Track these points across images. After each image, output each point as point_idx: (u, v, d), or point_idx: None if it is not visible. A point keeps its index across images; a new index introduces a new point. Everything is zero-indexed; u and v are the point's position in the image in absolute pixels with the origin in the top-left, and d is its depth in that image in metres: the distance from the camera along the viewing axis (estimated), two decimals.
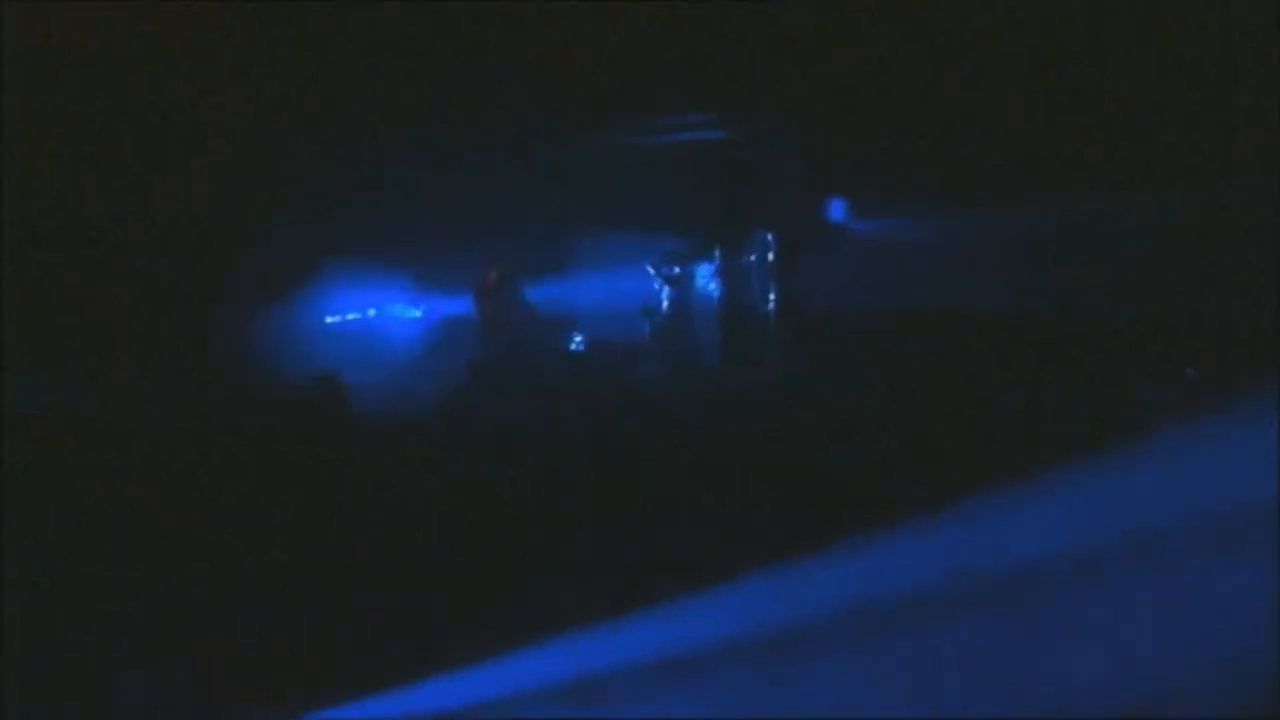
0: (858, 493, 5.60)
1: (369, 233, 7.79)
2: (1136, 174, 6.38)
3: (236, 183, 7.40)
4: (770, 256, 7.64)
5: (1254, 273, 5.72)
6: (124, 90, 7.05)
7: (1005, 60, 6.67)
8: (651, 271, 8.35)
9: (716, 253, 8.01)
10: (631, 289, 8.20)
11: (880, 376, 6.32)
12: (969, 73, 6.73)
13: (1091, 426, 5.67)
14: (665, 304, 8.24)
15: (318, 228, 7.69)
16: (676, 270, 8.27)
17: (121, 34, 6.94)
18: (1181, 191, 6.16)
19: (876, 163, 7.08)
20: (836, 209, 7.57)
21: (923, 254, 6.92)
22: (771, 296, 7.58)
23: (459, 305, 8.34)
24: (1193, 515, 4.04)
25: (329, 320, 8.20)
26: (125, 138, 7.14)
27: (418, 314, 8.42)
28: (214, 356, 7.33)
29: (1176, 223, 6.17)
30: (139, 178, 7.26)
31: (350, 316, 8.29)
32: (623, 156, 7.84)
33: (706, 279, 8.17)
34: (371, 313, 8.37)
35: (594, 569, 5.93)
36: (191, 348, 7.30)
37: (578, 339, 8.16)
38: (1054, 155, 6.55)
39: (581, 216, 7.90)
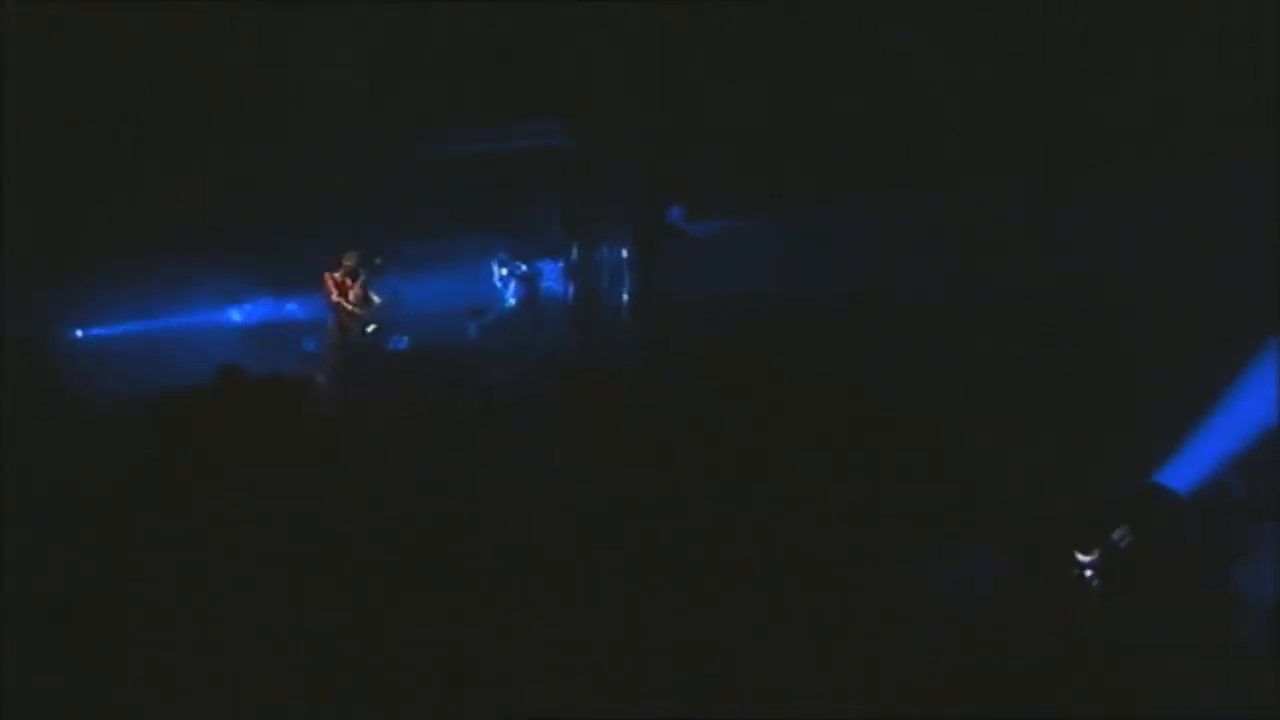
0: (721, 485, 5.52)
1: (220, 233, 7.54)
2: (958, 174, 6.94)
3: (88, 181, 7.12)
4: (624, 253, 7.62)
5: None
6: None
7: (845, 67, 6.93)
8: (499, 269, 8.17)
9: (574, 249, 7.92)
10: (479, 287, 8.03)
11: (740, 367, 6.31)
12: (814, 79, 6.95)
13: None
14: (513, 300, 8.08)
15: (167, 226, 7.35)
16: (524, 267, 8.12)
17: None
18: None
19: (728, 163, 7.19)
20: (684, 209, 7.65)
21: (778, 248, 7.08)
22: (625, 291, 7.56)
23: (305, 304, 8.09)
24: None
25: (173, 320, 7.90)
26: None
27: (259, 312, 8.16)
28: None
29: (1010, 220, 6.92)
30: None
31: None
32: (473, 158, 7.82)
33: (556, 275, 8.06)
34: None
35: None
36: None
37: (404, 339, 7.83)
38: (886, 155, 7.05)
39: (430, 217, 7.80)
